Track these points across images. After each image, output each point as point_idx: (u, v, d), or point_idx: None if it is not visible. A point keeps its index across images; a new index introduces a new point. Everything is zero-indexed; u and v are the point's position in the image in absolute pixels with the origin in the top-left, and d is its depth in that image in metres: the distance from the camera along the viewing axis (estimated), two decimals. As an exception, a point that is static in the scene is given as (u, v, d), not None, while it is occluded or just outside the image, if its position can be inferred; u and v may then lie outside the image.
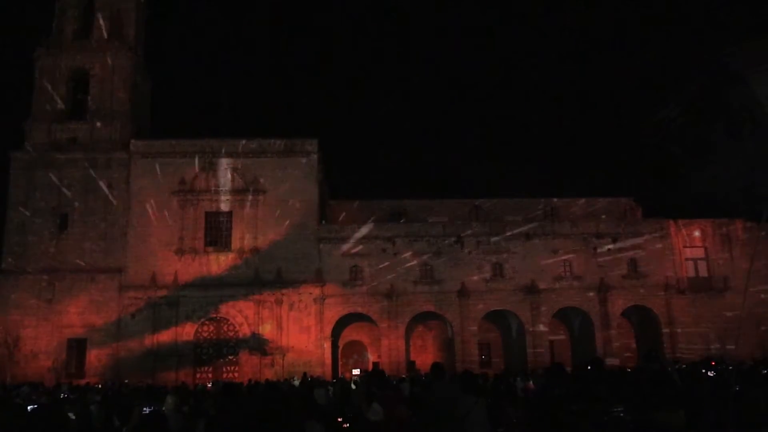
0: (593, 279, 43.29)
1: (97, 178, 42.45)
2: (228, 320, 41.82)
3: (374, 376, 12.98)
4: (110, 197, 42.35)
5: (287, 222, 42.59)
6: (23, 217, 41.59)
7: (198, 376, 39.71)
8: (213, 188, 42.85)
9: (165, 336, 40.41)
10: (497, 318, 45.68)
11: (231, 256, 42.09)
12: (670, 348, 41.95)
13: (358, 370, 41.91)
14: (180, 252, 41.69)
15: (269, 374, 36.66)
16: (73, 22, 46.12)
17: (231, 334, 41.89)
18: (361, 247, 43.10)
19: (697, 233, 44.55)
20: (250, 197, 42.78)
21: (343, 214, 48.57)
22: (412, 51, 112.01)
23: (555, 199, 51.07)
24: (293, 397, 12.95)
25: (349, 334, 47.08)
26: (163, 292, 40.89)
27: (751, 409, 9.61)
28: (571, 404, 8.52)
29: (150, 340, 40.17)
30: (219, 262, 41.97)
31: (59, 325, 40.31)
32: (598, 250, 43.81)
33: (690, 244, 44.57)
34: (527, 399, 15.42)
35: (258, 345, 40.79)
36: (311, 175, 43.74)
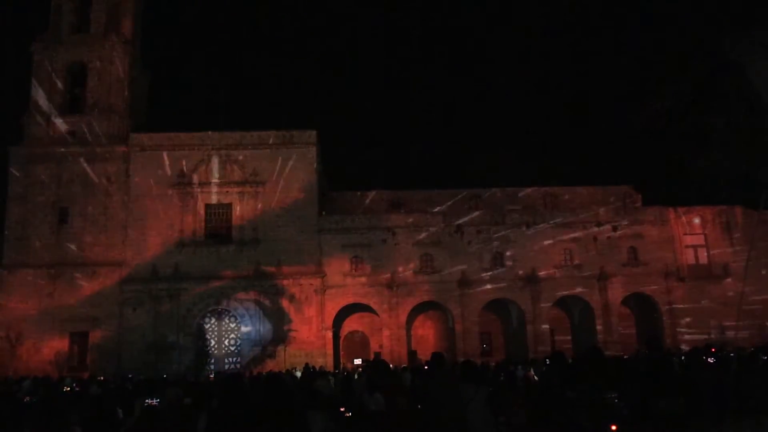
0: (593, 267, 43.32)
1: (96, 171, 42.47)
2: (229, 312, 41.95)
3: (376, 366, 13.01)
4: (110, 191, 42.42)
5: (287, 213, 42.59)
6: (23, 211, 41.61)
7: (200, 368, 39.83)
8: (212, 180, 42.85)
9: (166, 329, 40.54)
10: (498, 307, 45.75)
11: (231, 248, 42.13)
12: (671, 335, 42.06)
13: (360, 360, 41.99)
14: (180, 245, 41.73)
15: (271, 366, 36.78)
16: (70, 15, 45.92)
17: (232, 326, 42.08)
18: (361, 237, 43.18)
19: (696, 220, 44.56)
20: (249, 189, 42.81)
21: (343, 204, 48.53)
22: (410, 40, 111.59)
23: (555, 188, 51.02)
24: (296, 388, 12.98)
25: (351, 325, 47.17)
26: (164, 285, 40.97)
27: (751, 395, 9.64)
28: (567, 391, 8.56)
29: (151, 333, 40.28)
30: (219, 255, 41.98)
31: (60, 319, 40.39)
32: (598, 238, 43.84)
33: (690, 232, 44.58)
34: (528, 388, 15.44)
35: (259, 337, 40.94)
36: (310, 166, 43.72)
